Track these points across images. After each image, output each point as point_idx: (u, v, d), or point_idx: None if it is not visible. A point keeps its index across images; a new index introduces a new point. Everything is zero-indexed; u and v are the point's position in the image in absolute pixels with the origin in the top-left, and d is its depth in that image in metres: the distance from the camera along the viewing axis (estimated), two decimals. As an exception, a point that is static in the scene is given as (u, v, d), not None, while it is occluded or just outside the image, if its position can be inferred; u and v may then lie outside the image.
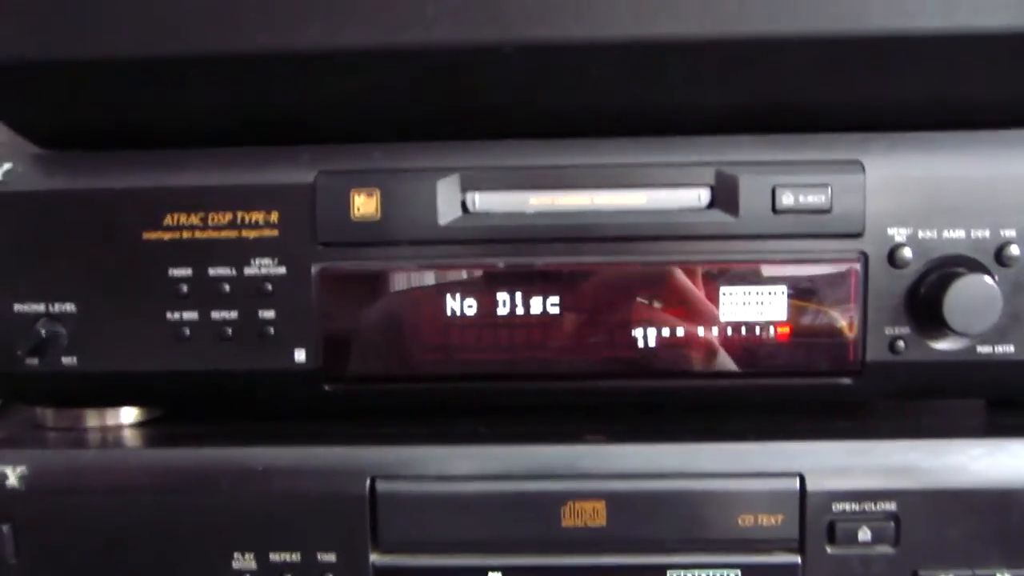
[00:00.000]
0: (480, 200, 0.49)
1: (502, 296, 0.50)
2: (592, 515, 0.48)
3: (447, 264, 0.50)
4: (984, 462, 0.48)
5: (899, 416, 0.56)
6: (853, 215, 0.48)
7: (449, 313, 0.50)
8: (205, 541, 0.49)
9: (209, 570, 0.49)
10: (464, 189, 0.49)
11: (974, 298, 0.47)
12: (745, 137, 0.50)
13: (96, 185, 0.50)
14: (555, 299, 0.50)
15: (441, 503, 0.49)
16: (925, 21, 0.44)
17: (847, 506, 0.48)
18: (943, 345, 0.49)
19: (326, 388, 0.51)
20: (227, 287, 0.50)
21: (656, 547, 0.48)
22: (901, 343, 0.49)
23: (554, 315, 0.50)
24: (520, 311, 0.50)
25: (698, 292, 0.49)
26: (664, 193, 0.49)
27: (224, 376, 0.50)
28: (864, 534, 0.48)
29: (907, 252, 0.48)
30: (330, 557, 0.49)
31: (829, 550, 0.48)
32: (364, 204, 0.50)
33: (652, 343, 0.50)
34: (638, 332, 0.50)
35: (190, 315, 0.50)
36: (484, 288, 0.50)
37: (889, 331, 0.49)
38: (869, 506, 0.48)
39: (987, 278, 0.48)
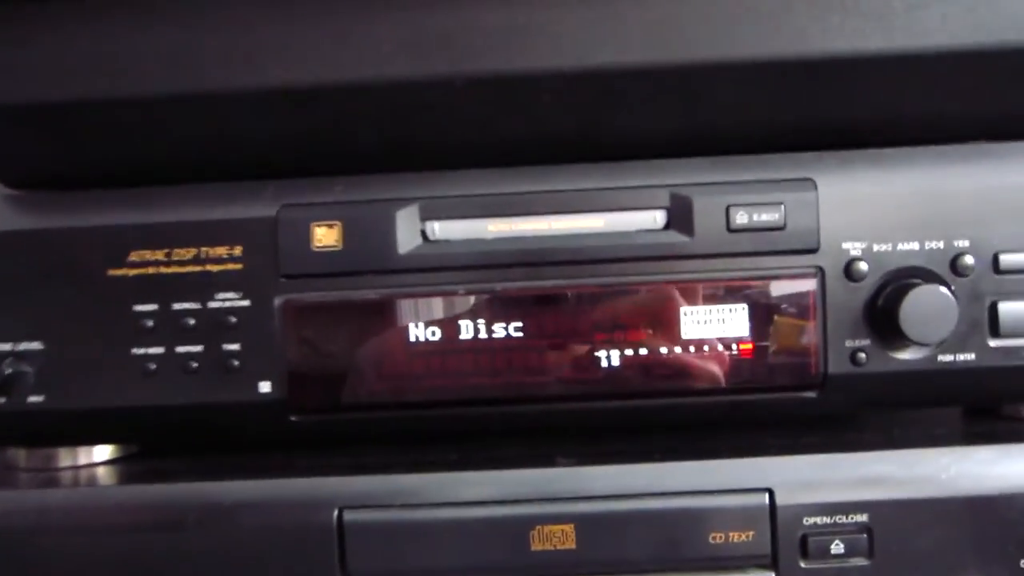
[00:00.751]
0: (439, 228, 0.50)
1: (464, 322, 0.50)
2: (561, 538, 0.47)
3: (408, 292, 0.49)
4: (955, 470, 0.48)
5: (869, 428, 0.55)
6: (807, 231, 0.49)
7: (412, 340, 0.50)
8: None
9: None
10: (423, 218, 0.50)
11: (930, 308, 0.47)
12: (699, 160, 0.50)
13: (62, 224, 0.50)
14: (517, 323, 0.49)
15: (410, 531, 0.48)
16: (863, 43, 0.45)
17: (819, 519, 0.47)
18: (904, 355, 0.49)
19: (292, 419, 0.50)
20: (192, 321, 0.50)
21: (627, 568, 0.48)
22: (862, 355, 0.49)
23: (517, 339, 0.49)
24: (483, 336, 0.50)
25: (659, 313, 0.49)
26: (621, 216, 0.49)
27: (191, 410, 0.50)
28: (837, 547, 0.47)
29: (863, 265, 0.49)
30: (298, 590, 0.48)
31: (803, 564, 0.47)
32: (325, 236, 0.50)
33: (616, 363, 0.50)
34: (601, 353, 0.50)
35: (156, 350, 0.50)
36: (446, 315, 0.50)
37: (850, 343, 0.49)
38: (841, 519, 0.47)
39: (942, 288, 0.48)
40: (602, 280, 0.49)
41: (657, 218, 0.49)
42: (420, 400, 0.50)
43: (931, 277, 0.49)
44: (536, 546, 0.47)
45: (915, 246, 0.49)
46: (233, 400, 0.50)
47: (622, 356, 0.50)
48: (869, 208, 0.49)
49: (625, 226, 0.49)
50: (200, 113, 0.48)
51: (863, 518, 0.47)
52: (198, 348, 0.50)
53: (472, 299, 0.50)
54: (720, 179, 0.50)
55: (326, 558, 0.48)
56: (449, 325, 0.50)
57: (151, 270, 0.50)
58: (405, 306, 0.50)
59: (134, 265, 0.50)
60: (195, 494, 0.49)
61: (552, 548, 0.48)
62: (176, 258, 0.50)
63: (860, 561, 0.47)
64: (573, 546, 0.48)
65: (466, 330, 0.50)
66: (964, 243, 0.49)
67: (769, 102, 0.49)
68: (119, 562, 0.48)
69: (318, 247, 0.49)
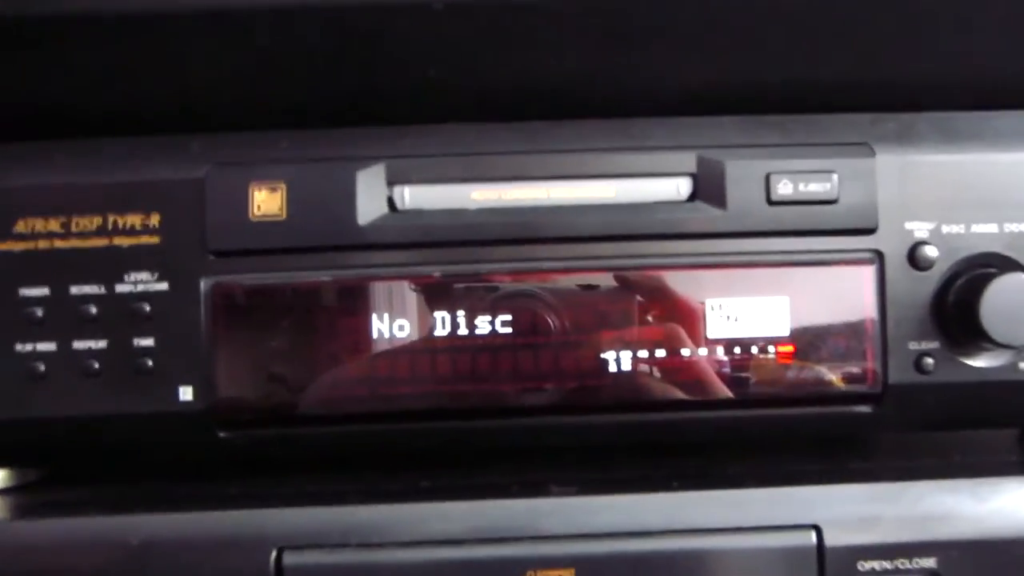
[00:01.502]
0: (410, 195, 0.44)
1: (440, 314, 0.44)
2: None
3: (371, 274, 0.43)
4: None
5: (922, 453, 0.50)
6: (864, 207, 0.44)
7: (375, 336, 0.43)
8: None
9: None
10: (391, 182, 0.44)
11: (1016, 301, 0.41)
12: (733, 118, 0.46)
13: (-73, 185, 0.44)
14: (506, 316, 0.44)
15: None
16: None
17: (876, 565, 0.42)
18: (979, 362, 0.44)
19: (220, 435, 0.44)
20: (94, 309, 0.43)
21: None
22: (929, 360, 0.44)
23: (505, 336, 0.44)
24: (463, 332, 0.43)
25: (680, 304, 0.44)
26: (636, 184, 0.44)
27: (91, 423, 0.44)
28: None
29: (930, 250, 0.44)
30: (225, 655, 0.42)
31: None
32: (266, 201, 0.43)
33: (626, 367, 0.44)
34: (608, 355, 0.44)
35: (46, 346, 0.43)
36: (418, 304, 0.43)
37: (914, 346, 0.44)
38: (903, 563, 0.42)
39: None
40: (611, 263, 0.44)
41: (681, 187, 0.44)
42: (383, 412, 0.44)
43: (1011, 266, 0.44)
44: None
45: (993, 228, 0.44)
46: (146, 411, 0.44)
47: (634, 358, 0.44)
48: (937, 182, 0.44)
49: (641, 196, 0.44)
50: (108, 41, 0.41)
51: (930, 563, 0.42)
52: (101, 344, 0.43)
53: (450, 285, 0.43)
54: (759, 141, 0.44)
55: None
56: (421, 317, 0.44)
57: (43, 244, 0.43)
58: (366, 292, 0.43)
59: (21, 237, 0.43)
60: (95, 531, 0.43)
61: None
62: (76, 229, 0.43)
63: None
64: None
65: (442, 324, 0.44)
66: (1052, 226, 0.44)
67: (820, 50, 0.44)
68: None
69: (257, 216, 0.43)
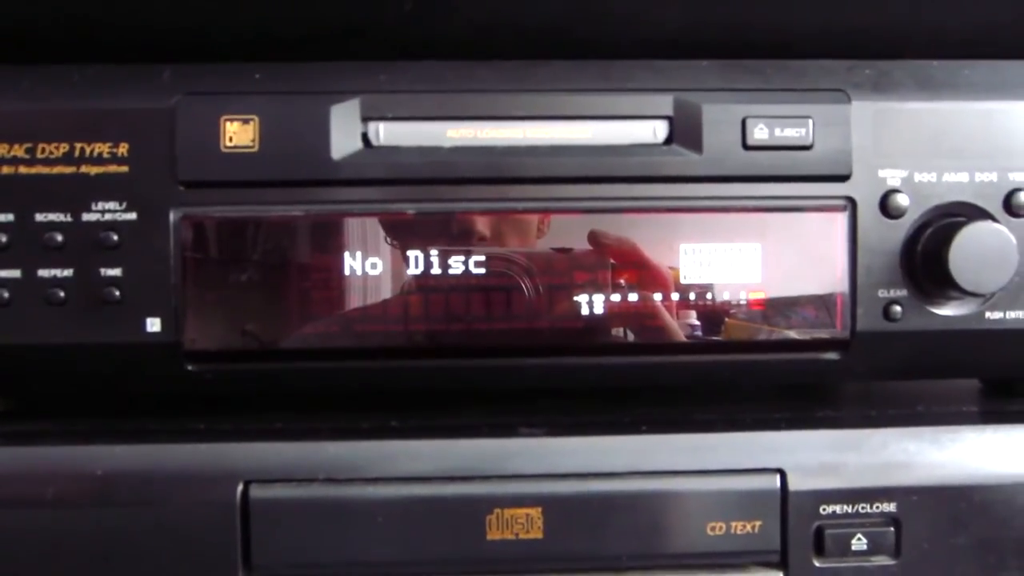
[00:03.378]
0: (385, 131, 0.43)
1: (413, 252, 0.43)
2: (525, 525, 0.41)
3: (343, 210, 0.43)
4: (1003, 449, 0.43)
5: (883, 401, 0.50)
6: (838, 153, 0.43)
7: (347, 273, 0.43)
8: (26, 565, 0.40)
9: (26, 605, 0.41)
10: (365, 117, 0.43)
11: (985, 249, 0.41)
12: (711, 62, 0.45)
13: None
14: (479, 256, 0.43)
15: (333, 513, 0.41)
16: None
17: (838, 508, 0.42)
18: (947, 311, 0.44)
19: (188, 368, 0.43)
20: (59, 237, 0.42)
21: (605, 565, 0.42)
22: (897, 308, 0.44)
23: (478, 276, 0.43)
24: (436, 271, 0.43)
25: (653, 248, 0.43)
26: (612, 126, 0.43)
27: (55, 352, 0.43)
28: (859, 543, 0.42)
29: (902, 199, 0.43)
30: (189, 586, 0.41)
31: (817, 563, 0.42)
32: (238, 133, 0.42)
33: (598, 310, 0.43)
34: (580, 298, 0.43)
35: (9, 273, 0.42)
36: (390, 241, 0.43)
37: (883, 294, 0.44)
38: (864, 508, 0.42)
39: (998, 225, 0.42)
40: (585, 204, 0.43)
41: (657, 130, 0.43)
42: (352, 348, 0.43)
43: (981, 216, 0.43)
44: (493, 534, 0.41)
45: (964, 178, 0.44)
46: (111, 341, 0.42)
47: (606, 301, 0.43)
48: (911, 130, 0.44)
49: (617, 138, 0.43)
50: None
51: (891, 508, 0.42)
52: (67, 273, 0.42)
53: (423, 223, 0.42)
54: (736, 86, 0.44)
55: (224, 545, 0.41)
56: (393, 255, 0.43)
57: (7, 169, 0.42)
58: (338, 228, 0.43)
59: None
60: (59, 460, 0.42)
61: (513, 537, 0.41)
62: (42, 155, 0.42)
63: (884, 560, 0.42)
64: (540, 535, 0.42)
65: (414, 262, 0.43)
66: (1022, 177, 0.43)
67: None
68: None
69: (228, 148, 0.42)
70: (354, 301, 0.43)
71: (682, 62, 0.44)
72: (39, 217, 0.42)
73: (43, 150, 0.42)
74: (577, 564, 0.41)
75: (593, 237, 0.43)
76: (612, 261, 0.43)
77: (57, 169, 0.42)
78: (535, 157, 0.43)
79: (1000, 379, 0.49)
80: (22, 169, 0.42)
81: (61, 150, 0.42)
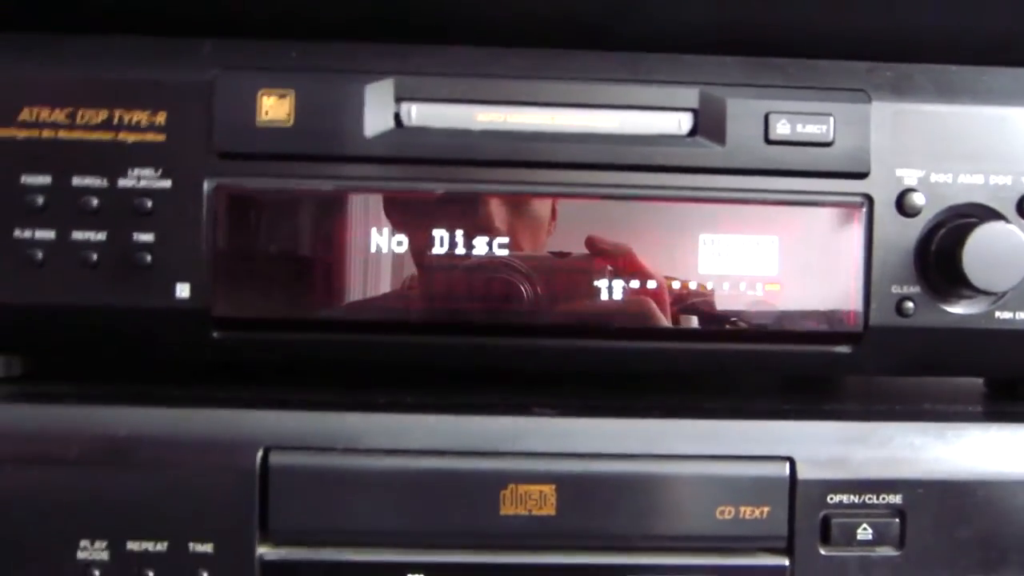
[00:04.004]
0: (417, 112, 0.43)
1: (439, 231, 0.43)
2: (539, 502, 0.41)
3: (373, 187, 0.43)
4: (1006, 448, 0.43)
5: (891, 398, 0.50)
6: (857, 151, 0.44)
7: (373, 249, 0.43)
8: (46, 523, 0.41)
9: (46, 562, 0.40)
10: (398, 98, 0.43)
11: (997, 249, 0.42)
12: (736, 58, 0.45)
13: (-69, 66, 0.43)
14: (503, 238, 0.43)
15: (350, 482, 0.41)
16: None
17: (844, 498, 0.42)
18: (958, 309, 0.44)
19: (215, 335, 0.43)
20: (95, 201, 0.42)
21: (616, 544, 0.42)
22: (910, 304, 0.44)
23: (501, 257, 0.43)
24: (460, 251, 0.43)
25: (674, 236, 0.44)
26: (639, 116, 0.44)
27: (86, 313, 0.43)
28: (864, 533, 0.42)
29: (918, 198, 0.44)
30: (206, 548, 0.41)
31: (822, 551, 0.42)
32: (274, 108, 0.42)
33: (617, 296, 0.44)
34: (600, 282, 0.43)
35: (45, 234, 0.42)
36: (417, 219, 0.43)
37: (896, 290, 0.44)
38: (870, 499, 0.42)
39: (1011, 226, 0.42)
40: (609, 191, 0.43)
41: (682, 122, 0.44)
42: (376, 321, 0.43)
43: (994, 217, 0.44)
44: (507, 509, 0.41)
45: (979, 180, 0.44)
46: (142, 305, 0.43)
47: (626, 288, 0.44)
48: (929, 131, 0.44)
49: (643, 128, 0.43)
50: None
51: (896, 499, 0.42)
52: (101, 236, 0.42)
53: (451, 203, 0.43)
54: (760, 82, 0.44)
55: (244, 510, 0.41)
56: (419, 233, 0.43)
57: (47, 133, 0.42)
58: (367, 204, 0.43)
59: (26, 125, 0.42)
60: (82, 420, 0.42)
61: (526, 513, 0.42)
62: (82, 121, 0.42)
63: (888, 551, 0.42)
64: (553, 512, 0.42)
65: (440, 241, 0.43)
66: (1035, 181, 0.44)
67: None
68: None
69: (264, 122, 0.42)
70: (379, 276, 0.43)
71: (708, 57, 0.45)
72: (76, 181, 0.42)
73: (83, 116, 0.42)
74: (588, 542, 0.41)
75: (616, 227, 0.43)
76: (633, 249, 0.43)
77: (96, 135, 0.42)
78: (561, 143, 0.43)
79: (1006, 379, 0.50)
80: (62, 134, 0.42)
81: (100, 116, 0.42)
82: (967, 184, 0.44)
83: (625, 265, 0.43)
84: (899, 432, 0.43)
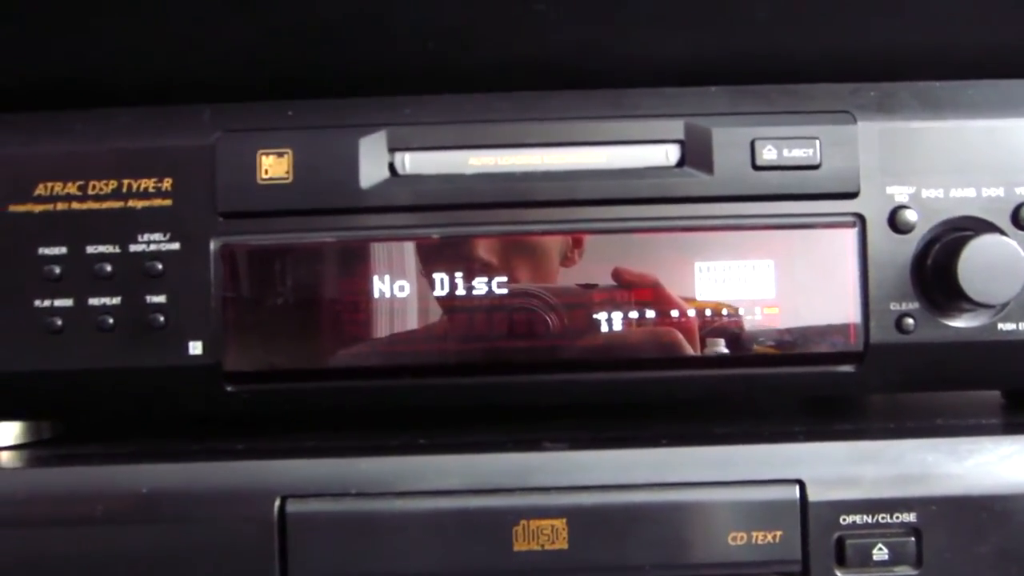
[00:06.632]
0: (411, 161, 0.45)
1: (439, 274, 0.44)
2: (551, 536, 0.42)
3: (372, 236, 0.44)
4: (1020, 462, 0.42)
5: (904, 414, 0.50)
6: (846, 172, 0.44)
7: (376, 295, 0.44)
8: None
9: (76, 619, 0.41)
10: (392, 148, 0.45)
11: (993, 261, 0.42)
12: (719, 88, 0.46)
13: (-47, 149, 0.45)
14: (501, 277, 0.44)
15: (366, 526, 0.42)
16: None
17: (858, 518, 0.42)
18: (959, 323, 0.44)
19: (227, 388, 0.45)
20: (108, 267, 0.44)
21: (629, 574, 0.42)
22: (910, 321, 0.44)
23: (501, 296, 0.44)
24: (460, 292, 0.44)
25: (668, 266, 0.44)
26: (626, 150, 0.44)
27: (104, 376, 0.44)
28: (880, 553, 0.42)
29: (910, 214, 0.44)
30: (230, 599, 0.42)
31: (839, 573, 0.41)
32: (273, 166, 0.44)
33: (616, 327, 0.44)
34: (600, 315, 0.44)
35: (63, 302, 0.44)
36: (417, 265, 0.44)
37: (895, 307, 0.44)
38: (884, 518, 0.42)
39: (1005, 238, 0.42)
40: (602, 226, 0.44)
41: (670, 153, 0.44)
42: (381, 367, 0.45)
43: (989, 230, 0.44)
44: (520, 545, 0.42)
45: (970, 193, 0.44)
46: (157, 364, 0.44)
47: (624, 319, 0.44)
48: (917, 148, 0.45)
49: (632, 162, 0.44)
50: (126, 17, 0.43)
51: (911, 518, 0.42)
52: (115, 301, 0.44)
53: (448, 246, 0.44)
54: (744, 109, 0.45)
55: (263, 557, 0.41)
56: (420, 277, 0.44)
57: (61, 206, 0.44)
58: (367, 253, 0.44)
59: (41, 199, 0.44)
60: (105, 479, 0.43)
61: (539, 548, 0.42)
62: (93, 192, 0.44)
63: (906, 570, 0.42)
64: (565, 546, 0.42)
65: (440, 284, 0.44)
66: (1028, 191, 0.44)
67: (804, 22, 0.44)
68: (10, 560, 0.42)
69: (264, 180, 0.44)
70: (383, 322, 0.44)
71: (691, 89, 0.45)
72: (90, 249, 0.44)
73: (93, 187, 0.44)
74: (602, 574, 0.41)
75: (611, 260, 0.44)
76: (629, 281, 0.43)
77: (106, 204, 0.44)
78: (553, 181, 0.44)
79: (1018, 390, 0.49)
80: (74, 205, 0.44)
81: (110, 186, 0.44)
82: (959, 198, 0.44)
83: (626, 297, 0.44)
84: (910, 449, 0.43)
